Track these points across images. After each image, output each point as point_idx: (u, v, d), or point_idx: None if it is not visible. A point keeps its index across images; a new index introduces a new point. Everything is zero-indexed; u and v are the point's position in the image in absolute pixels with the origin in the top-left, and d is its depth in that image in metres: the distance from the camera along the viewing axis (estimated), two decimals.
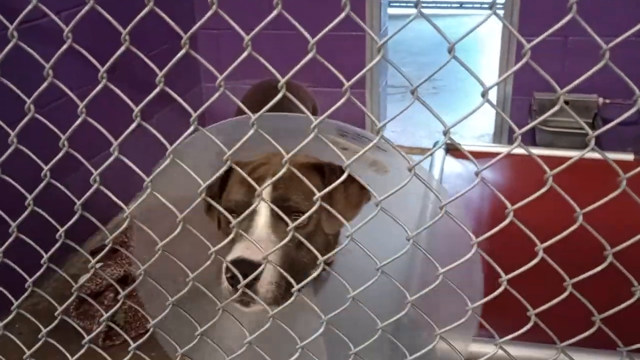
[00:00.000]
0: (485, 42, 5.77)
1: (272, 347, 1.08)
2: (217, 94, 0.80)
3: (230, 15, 0.77)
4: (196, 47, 3.96)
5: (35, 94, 0.91)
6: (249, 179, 0.98)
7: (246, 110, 0.86)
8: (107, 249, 1.12)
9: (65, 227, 1.05)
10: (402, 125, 4.27)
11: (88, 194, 0.99)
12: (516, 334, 0.88)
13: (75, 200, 1.00)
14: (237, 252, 1.13)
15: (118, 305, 1.19)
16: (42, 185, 1.01)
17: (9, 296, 1.21)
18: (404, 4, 7.99)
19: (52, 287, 2.48)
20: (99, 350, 1.26)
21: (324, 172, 1.30)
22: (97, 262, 2.11)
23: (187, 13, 3.69)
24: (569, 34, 3.33)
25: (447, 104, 4.54)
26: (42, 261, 1.12)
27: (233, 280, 1.11)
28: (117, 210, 3.02)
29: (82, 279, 2.42)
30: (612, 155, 1.15)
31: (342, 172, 1.10)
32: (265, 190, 1.15)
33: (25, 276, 1.17)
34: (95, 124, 0.90)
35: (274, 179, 0.94)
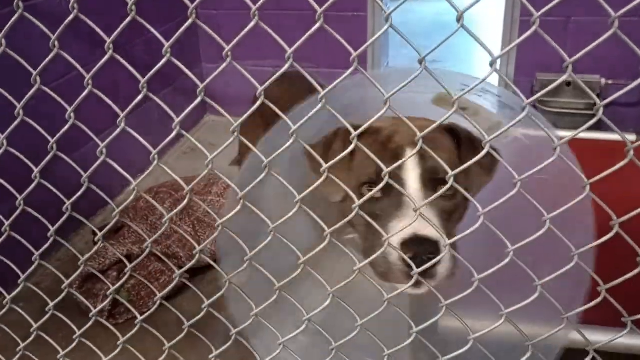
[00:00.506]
0: (484, 24, 5.75)
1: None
2: (224, 64, 0.80)
3: None
4: (196, 28, 3.93)
5: (42, 65, 0.91)
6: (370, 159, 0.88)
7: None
8: (114, 221, 1.11)
9: (72, 200, 1.06)
10: None
11: (94, 166, 0.99)
12: None
13: (82, 172, 1.00)
14: (408, 229, 0.99)
15: (123, 280, 1.19)
16: (47, 159, 1.02)
17: (16, 270, 1.22)
18: None
19: (54, 266, 2.48)
20: (106, 323, 1.27)
21: (454, 132, 1.18)
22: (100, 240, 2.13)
23: None
24: (572, 14, 3.32)
25: None
26: (48, 234, 1.12)
27: (415, 262, 0.96)
28: (118, 191, 3.04)
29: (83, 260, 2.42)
30: (614, 136, 1.15)
31: (469, 133, 1.07)
32: (412, 161, 1.10)
33: (32, 249, 1.17)
34: (102, 95, 0.90)
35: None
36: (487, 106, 1.24)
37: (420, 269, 0.94)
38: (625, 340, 1.57)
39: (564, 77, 0.75)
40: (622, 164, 0.74)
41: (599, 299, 0.84)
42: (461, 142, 1.17)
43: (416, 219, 0.90)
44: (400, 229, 0.99)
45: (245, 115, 0.90)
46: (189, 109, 0.89)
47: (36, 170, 1.04)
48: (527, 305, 0.88)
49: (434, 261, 0.95)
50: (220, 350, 1.15)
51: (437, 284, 1.01)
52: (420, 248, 0.97)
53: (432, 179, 1.06)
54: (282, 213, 0.92)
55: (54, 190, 1.05)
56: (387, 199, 1.09)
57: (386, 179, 0.86)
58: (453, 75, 1.22)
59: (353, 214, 0.89)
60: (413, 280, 0.95)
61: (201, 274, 2.46)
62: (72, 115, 0.93)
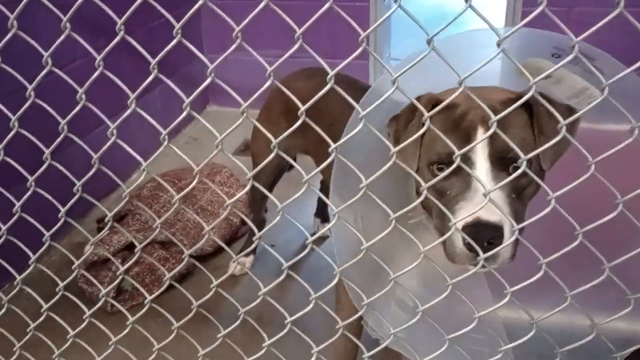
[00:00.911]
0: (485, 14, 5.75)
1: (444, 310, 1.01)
2: (234, 46, 0.81)
3: None
4: (199, 18, 3.94)
5: (52, 48, 0.92)
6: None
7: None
8: (124, 201, 1.12)
9: (82, 181, 1.06)
10: None
11: (104, 148, 1.00)
12: None
13: (93, 154, 1.01)
14: (473, 212, 1.00)
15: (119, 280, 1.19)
16: (57, 141, 1.03)
17: (27, 251, 1.23)
18: None
19: (58, 254, 2.51)
20: (117, 306, 1.27)
21: (530, 105, 1.11)
22: (103, 228, 2.13)
23: None
24: (574, 4, 3.32)
25: None
26: (59, 215, 1.13)
27: (477, 245, 0.97)
28: (124, 178, 3.05)
29: (88, 246, 2.44)
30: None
31: (546, 99, 1.05)
32: (480, 139, 1.07)
33: (43, 230, 1.18)
34: (112, 76, 0.91)
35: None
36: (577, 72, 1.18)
37: (483, 256, 0.94)
38: None
39: (570, 57, 0.76)
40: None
41: None
42: (536, 112, 1.12)
43: (484, 204, 0.91)
44: (465, 215, 1.00)
45: (254, 98, 0.90)
46: (198, 91, 0.90)
47: (47, 151, 1.05)
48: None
49: (495, 250, 0.96)
50: (227, 330, 1.15)
51: (504, 263, 1.02)
52: (481, 234, 0.97)
53: (502, 158, 1.04)
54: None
55: (65, 171, 1.06)
56: (456, 178, 1.09)
57: (457, 161, 0.87)
58: (541, 36, 1.14)
59: (422, 197, 0.90)
60: (476, 268, 0.96)
61: (203, 262, 2.47)
62: (83, 96, 0.94)
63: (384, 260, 0.95)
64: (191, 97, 0.89)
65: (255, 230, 1.07)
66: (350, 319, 1.08)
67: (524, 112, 1.13)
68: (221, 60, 0.86)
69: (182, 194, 1.05)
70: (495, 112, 0.96)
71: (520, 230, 0.92)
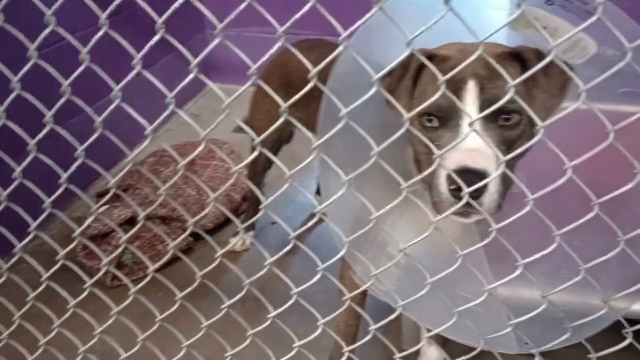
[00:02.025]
0: None
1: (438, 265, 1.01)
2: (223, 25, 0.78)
3: None
4: None
5: (40, 38, 0.90)
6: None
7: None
8: (127, 167, 1.10)
9: (68, 172, 1.04)
10: None
11: (94, 136, 0.98)
12: None
13: (96, 117, 0.98)
14: (459, 160, 1.02)
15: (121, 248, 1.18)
16: (44, 131, 1.01)
17: (27, 218, 1.21)
18: None
19: (57, 228, 2.50)
20: (119, 274, 1.26)
21: (523, 59, 1.14)
22: (103, 204, 2.11)
23: None
24: None
25: None
26: (60, 181, 1.11)
27: (457, 192, 1.00)
28: (121, 155, 3.03)
29: (88, 221, 2.42)
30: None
31: (539, 53, 1.04)
32: (471, 92, 1.10)
33: (30, 220, 1.16)
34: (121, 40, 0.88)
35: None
36: (572, 20, 1.17)
37: (468, 190, 0.93)
38: None
39: (592, 19, 0.72)
40: None
41: None
42: (528, 66, 1.11)
43: (468, 134, 0.92)
44: (451, 162, 1.01)
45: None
46: (182, 84, 0.87)
47: (32, 142, 1.03)
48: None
49: (475, 187, 0.95)
50: (232, 301, 1.15)
51: (489, 212, 1.01)
52: (466, 180, 0.96)
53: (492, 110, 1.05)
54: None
55: (50, 162, 1.04)
56: (444, 129, 1.10)
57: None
58: None
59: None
60: (454, 209, 0.97)
61: (204, 239, 2.45)
62: (87, 56, 0.90)
63: (376, 223, 0.94)
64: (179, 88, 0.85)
65: (262, 197, 1.06)
66: (356, 292, 1.09)
67: (518, 66, 1.14)
68: (222, 37, 0.84)
69: (187, 160, 1.03)
70: (488, 65, 0.96)
71: (509, 184, 0.91)
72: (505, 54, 1.14)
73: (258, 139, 0.93)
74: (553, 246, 0.86)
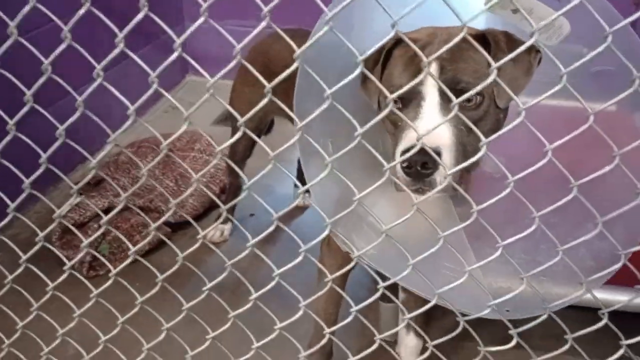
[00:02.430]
0: None
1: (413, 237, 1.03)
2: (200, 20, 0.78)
3: None
4: None
5: (19, 16, 0.89)
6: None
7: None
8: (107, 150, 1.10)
9: (48, 153, 1.03)
10: None
11: (71, 119, 0.98)
12: None
13: (79, 98, 0.98)
14: (411, 139, 1.06)
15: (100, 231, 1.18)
16: (22, 111, 1.00)
17: (5, 199, 1.19)
18: None
19: (34, 217, 2.48)
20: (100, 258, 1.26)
21: (488, 41, 1.16)
22: (80, 193, 2.10)
23: None
24: None
25: None
26: (23, 186, 1.10)
27: (410, 170, 1.05)
28: (98, 146, 3.01)
29: (65, 208, 2.41)
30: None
31: (507, 35, 1.05)
32: (433, 73, 1.12)
33: (8, 201, 1.15)
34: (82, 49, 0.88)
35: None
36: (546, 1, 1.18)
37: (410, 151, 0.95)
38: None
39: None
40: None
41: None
42: (494, 48, 1.15)
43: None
44: (407, 141, 1.05)
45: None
46: (165, 63, 0.87)
47: (11, 122, 1.02)
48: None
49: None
50: (213, 283, 1.14)
51: (438, 191, 1.04)
52: (415, 158, 0.99)
53: (452, 90, 1.06)
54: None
55: (30, 142, 1.03)
56: (406, 110, 1.13)
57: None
58: None
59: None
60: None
61: (182, 230, 2.47)
62: (68, 34, 0.90)
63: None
64: (157, 71, 0.86)
65: (244, 178, 1.06)
66: (339, 272, 1.11)
67: (485, 49, 1.14)
68: (201, 29, 0.84)
69: (151, 164, 1.04)
70: (452, 47, 0.98)
71: (470, 165, 0.94)
72: (472, 36, 1.12)
73: (242, 120, 0.92)
74: (532, 227, 0.88)
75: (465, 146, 1.12)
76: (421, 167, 1.04)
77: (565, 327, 0.96)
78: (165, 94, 0.92)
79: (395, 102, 1.14)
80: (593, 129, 0.78)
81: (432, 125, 1.03)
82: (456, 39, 0.79)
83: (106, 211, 2.33)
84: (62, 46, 0.88)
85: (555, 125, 1.05)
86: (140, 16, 0.82)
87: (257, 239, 1.04)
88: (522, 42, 1.09)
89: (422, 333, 1.05)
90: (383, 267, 1.10)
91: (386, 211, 1.09)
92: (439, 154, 1.05)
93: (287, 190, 2.75)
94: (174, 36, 0.85)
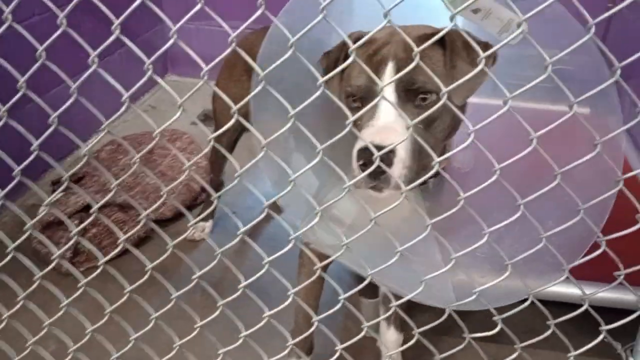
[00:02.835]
0: None
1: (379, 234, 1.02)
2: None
3: None
4: None
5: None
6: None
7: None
8: (84, 160, 1.10)
9: (39, 140, 1.03)
10: None
11: (62, 108, 0.98)
12: None
13: (51, 112, 0.98)
14: (367, 138, 1.07)
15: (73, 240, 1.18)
16: (15, 98, 1.00)
17: None
18: None
19: (10, 216, 2.47)
20: (71, 269, 1.23)
21: (444, 40, 1.17)
22: (59, 191, 2.09)
23: None
24: None
25: None
26: (13, 174, 1.09)
27: (365, 167, 1.06)
28: (76, 146, 2.98)
29: (42, 208, 2.39)
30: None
31: (463, 35, 1.07)
32: (388, 73, 1.16)
33: None
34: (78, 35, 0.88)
35: None
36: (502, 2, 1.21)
37: (365, 174, 0.98)
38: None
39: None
40: None
41: (600, 250, 0.90)
42: (449, 48, 1.17)
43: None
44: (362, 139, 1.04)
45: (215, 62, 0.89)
46: (159, 53, 0.88)
47: (3, 109, 1.02)
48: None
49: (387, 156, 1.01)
50: (181, 292, 1.14)
51: (394, 188, 1.08)
52: (370, 154, 0.99)
53: (409, 90, 1.11)
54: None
55: (21, 129, 1.03)
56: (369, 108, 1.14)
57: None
58: None
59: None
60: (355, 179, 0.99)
61: (163, 227, 2.46)
62: (44, 54, 0.91)
63: (322, 188, 1.00)
64: (152, 59, 0.87)
65: (212, 192, 1.08)
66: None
67: (440, 47, 1.19)
68: (182, 29, 0.86)
69: (142, 153, 1.04)
70: (408, 47, 1.04)
71: (426, 161, 0.98)
72: (427, 35, 1.15)
73: (213, 135, 0.96)
74: (517, 215, 0.90)
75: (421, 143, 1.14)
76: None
77: (547, 314, 0.99)
78: (161, 81, 0.93)
79: (354, 101, 1.20)
80: (561, 128, 0.80)
81: (388, 124, 1.08)
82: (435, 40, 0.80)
83: (86, 208, 2.33)
84: (58, 32, 0.89)
85: (519, 125, 1.09)
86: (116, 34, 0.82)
87: (247, 227, 1.05)
88: (478, 41, 1.12)
89: (410, 321, 1.06)
90: (355, 265, 1.11)
91: (348, 205, 1.09)
92: (394, 151, 1.08)
93: (268, 188, 2.76)
94: (144, 58, 0.86)
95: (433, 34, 1.15)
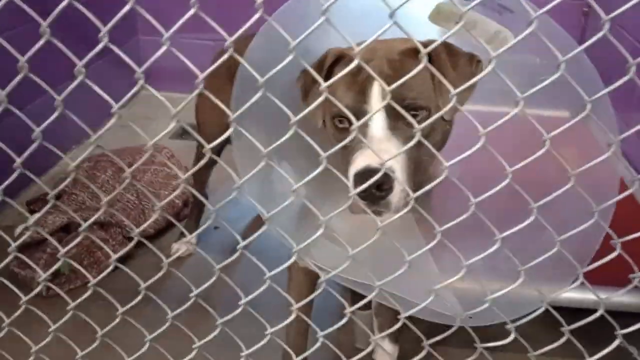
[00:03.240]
0: None
1: (376, 254, 1.00)
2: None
3: None
4: None
5: None
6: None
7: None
8: (71, 176, 1.06)
9: (23, 157, 0.99)
10: None
11: (48, 121, 0.94)
12: None
13: (35, 127, 0.94)
14: (363, 161, 1.04)
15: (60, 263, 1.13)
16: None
17: None
18: None
19: None
20: (57, 290, 1.20)
21: (429, 54, 1.16)
22: (36, 212, 2.02)
23: None
24: None
25: None
26: None
27: (365, 193, 1.01)
28: (53, 162, 2.92)
29: (19, 229, 2.32)
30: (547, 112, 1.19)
31: (447, 47, 1.04)
32: (375, 91, 1.11)
33: None
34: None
35: None
36: (488, 14, 1.21)
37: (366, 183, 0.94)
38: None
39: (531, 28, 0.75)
40: None
41: (615, 253, 0.88)
42: (436, 62, 1.13)
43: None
44: (357, 163, 1.03)
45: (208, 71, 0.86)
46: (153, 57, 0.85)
47: None
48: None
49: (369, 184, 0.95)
50: (177, 312, 1.11)
51: (398, 210, 1.03)
52: (368, 180, 0.97)
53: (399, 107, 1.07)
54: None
55: (1, 145, 0.99)
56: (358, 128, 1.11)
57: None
58: None
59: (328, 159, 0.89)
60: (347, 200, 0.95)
61: (145, 245, 2.40)
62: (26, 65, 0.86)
63: (313, 204, 0.95)
64: (142, 66, 0.83)
65: (208, 205, 1.04)
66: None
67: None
68: (155, 43, 0.83)
69: (134, 167, 1.00)
70: (393, 63, 1.02)
71: (422, 181, 0.95)
72: (409, 50, 1.15)
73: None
74: (495, 247, 0.89)
75: (416, 162, 1.12)
76: (376, 188, 1.03)
77: (561, 320, 0.96)
78: (154, 91, 0.89)
79: (340, 121, 1.16)
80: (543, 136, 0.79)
81: (382, 145, 1.05)
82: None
83: (65, 228, 2.26)
84: (41, 42, 0.85)
85: (504, 131, 1.08)
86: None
87: (223, 264, 1.02)
88: (462, 53, 1.12)
89: (419, 333, 1.03)
90: (350, 282, 1.10)
91: (340, 223, 1.07)
92: (392, 173, 1.04)
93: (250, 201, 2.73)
94: (134, 66, 0.83)
95: (414, 48, 1.14)
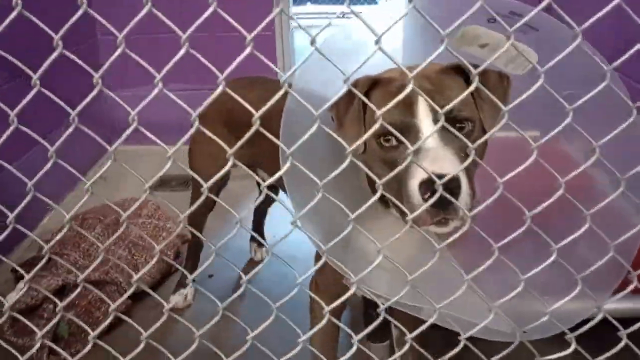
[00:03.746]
0: None
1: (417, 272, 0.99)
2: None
3: None
4: (97, 54, 3.84)
5: None
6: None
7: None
8: (66, 228, 1.05)
9: (15, 212, 0.98)
10: None
11: (40, 173, 0.94)
12: None
13: (27, 181, 0.94)
14: (427, 169, 1.01)
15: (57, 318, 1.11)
16: None
17: None
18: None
19: None
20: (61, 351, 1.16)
21: (463, 71, 1.17)
22: (21, 278, 2.00)
23: None
24: None
25: None
26: None
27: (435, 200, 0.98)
28: (42, 215, 2.88)
29: (11, 296, 2.28)
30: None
31: (478, 66, 1.06)
32: (423, 107, 1.13)
33: None
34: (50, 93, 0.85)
35: None
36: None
37: (431, 201, 0.95)
38: None
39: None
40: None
41: None
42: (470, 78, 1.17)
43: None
44: (420, 173, 1.04)
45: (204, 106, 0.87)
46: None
47: None
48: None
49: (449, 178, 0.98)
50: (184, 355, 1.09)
51: (461, 219, 1.04)
52: (431, 187, 0.99)
53: (446, 119, 1.09)
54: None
55: None
56: (403, 146, 1.12)
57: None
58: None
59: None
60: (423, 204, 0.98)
61: (141, 300, 2.37)
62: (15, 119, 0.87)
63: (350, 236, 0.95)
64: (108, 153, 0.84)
65: (209, 243, 1.04)
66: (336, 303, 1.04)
67: (461, 78, 1.20)
68: (125, 97, 0.84)
69: (128, 212, 1.00)
70: (431, 79, 1.05)
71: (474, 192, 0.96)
72: (448, 68, 1.20)
73: (205, 185, 0.90)
74: (551, 259, 0.91)
75: (471, 173, 1.14)
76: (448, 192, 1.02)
77: (619, 326, 0.96)
78: (147, 133, 0.90)
79: (387, 140, 1.17)
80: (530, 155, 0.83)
81: (439, 156, 1.06)
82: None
83: (59, 290, 2.22)
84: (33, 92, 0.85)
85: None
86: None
87: (226, 303, 1.00)
88: (492, 71, 1.17)
89: (478, 352, 1.02)
90: (406, 306, 1.10)
91: (375, 237, 1.07)
92: (457, 179, 1.04)
93: (243, 245, 2.73)
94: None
95: (448, 67, 1.19)
